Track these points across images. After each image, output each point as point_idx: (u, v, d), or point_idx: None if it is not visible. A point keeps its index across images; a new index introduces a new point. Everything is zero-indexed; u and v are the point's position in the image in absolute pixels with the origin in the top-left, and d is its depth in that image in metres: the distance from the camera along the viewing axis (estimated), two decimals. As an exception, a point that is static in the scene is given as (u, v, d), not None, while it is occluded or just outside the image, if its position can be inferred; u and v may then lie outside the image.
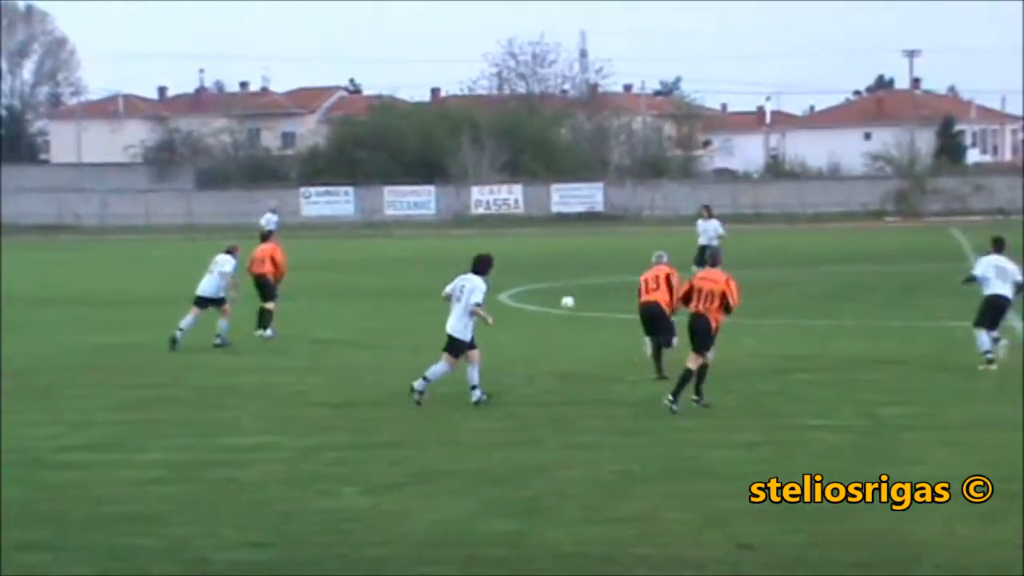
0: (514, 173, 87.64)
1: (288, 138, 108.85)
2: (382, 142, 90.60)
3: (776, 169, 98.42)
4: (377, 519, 12.77)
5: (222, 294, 26.03)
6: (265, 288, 27.79)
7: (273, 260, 28.17)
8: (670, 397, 18.05)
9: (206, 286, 26.12)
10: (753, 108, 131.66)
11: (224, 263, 26.16)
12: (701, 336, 18.34)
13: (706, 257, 19.88)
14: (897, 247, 54.31)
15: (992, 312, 21.84)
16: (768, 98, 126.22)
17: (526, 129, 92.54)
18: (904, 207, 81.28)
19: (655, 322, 21.09)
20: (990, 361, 21.43)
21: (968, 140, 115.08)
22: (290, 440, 16.61)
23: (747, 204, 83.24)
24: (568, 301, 29.37)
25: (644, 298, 21.23)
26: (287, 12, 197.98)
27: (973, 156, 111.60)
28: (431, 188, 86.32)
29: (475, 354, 19.00)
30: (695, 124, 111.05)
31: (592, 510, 12.92)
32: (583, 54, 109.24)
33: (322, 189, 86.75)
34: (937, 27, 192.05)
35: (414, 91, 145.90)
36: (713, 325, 18.40)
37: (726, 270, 18.72)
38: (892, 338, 25.54)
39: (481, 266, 19.35)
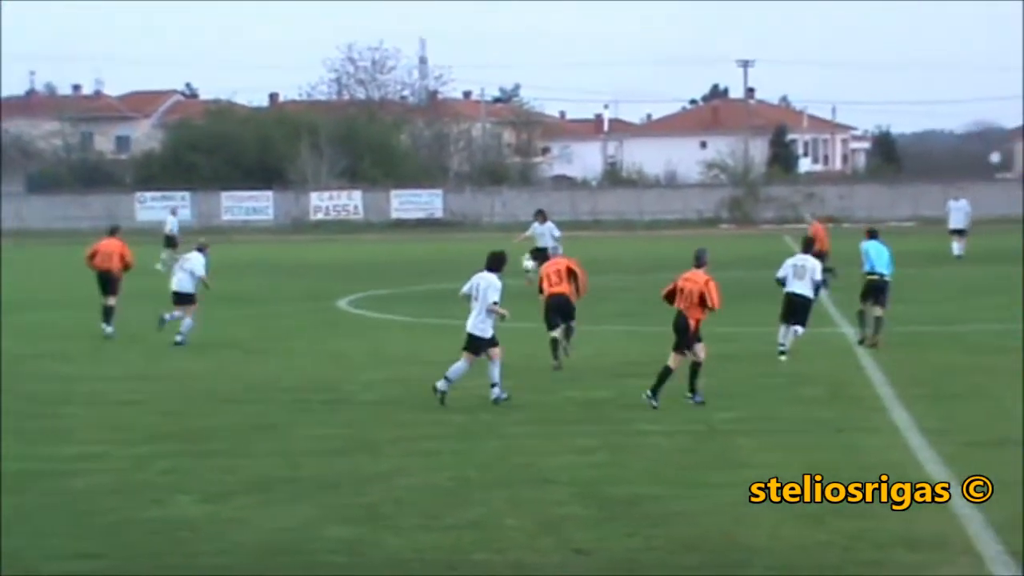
0: (353, 179, 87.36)
1: (122, 142, 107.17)
2: (219, 147, 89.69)
3: (614, 176, 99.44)
4: (213, 528, 12.66)
5: (193, 291, 26.89)
6: (109, 283, 27.90)
7: (122, 256, 28.58)
8: (649, 393, 18.61)
9: (180, 282, 27.03)
10: (591, 116, 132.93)
11: (196, 261, 27.10)
12: (680, 334, 18.86)
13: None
14: (731, 254, 55.19)
15: (789, 308, 23.69)
16: (606, 106, 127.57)
17: (365, 135, 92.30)
18: (738, 214, 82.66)
19: (561, 312, 22.76)
20: (781, 353, 23.20)
21: (800, 149, 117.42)
22: (123, 449, 16.39)
23: (585, 211, 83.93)
24: (529, 264, 29.18)
25: (549, 291, 23.05)
26: (121, 14, 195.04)
27: (805, 165, 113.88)
28: (269, 194, 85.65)
29: (496, 351, 19.16)
30: (534, 131, 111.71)
31: (430, 517, 12.95)
32: (422, 61, 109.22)
33: (158, 194, 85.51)
34: (770, 38, 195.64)
35: (252, 96, 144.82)
36: (692, 324, 18.90)
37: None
38: (726, 343, 25.94)
39: (495, 264, 19.59)
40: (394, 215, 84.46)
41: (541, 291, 23.72)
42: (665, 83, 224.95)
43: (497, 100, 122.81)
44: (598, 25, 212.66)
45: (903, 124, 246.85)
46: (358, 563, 11.52)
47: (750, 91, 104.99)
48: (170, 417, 18.61)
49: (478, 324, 19.21)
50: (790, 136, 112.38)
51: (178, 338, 26.54)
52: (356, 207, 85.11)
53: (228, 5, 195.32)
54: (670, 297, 19.30)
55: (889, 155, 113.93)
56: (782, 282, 24.21)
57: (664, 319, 30.09)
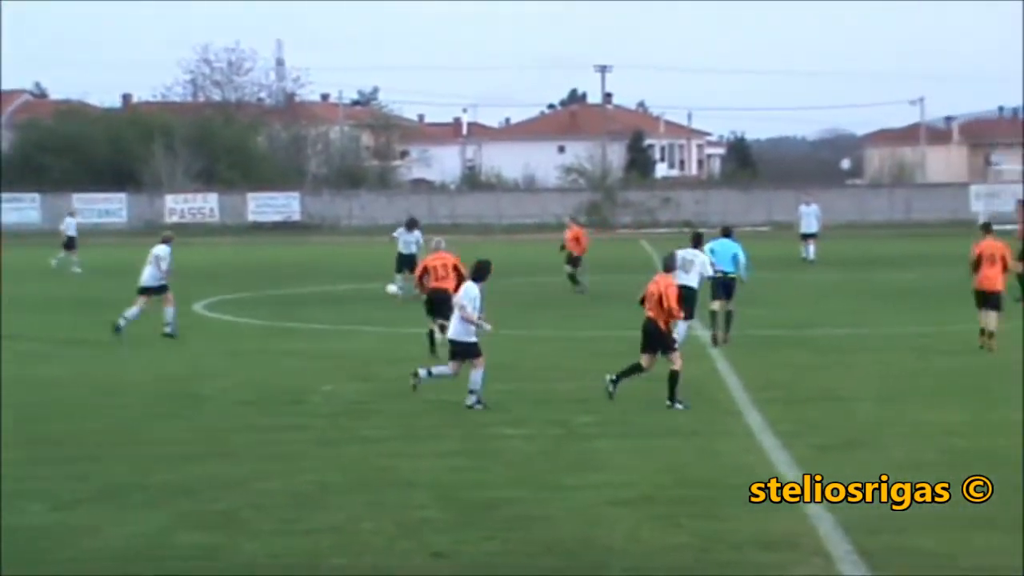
0: (209, 181, 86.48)
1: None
2: (70, 148, 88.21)
3: (472, 180, 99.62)
4: (65, 535, 12.47)
5: (164, 282, 27.62)
6: None
7: None
8: (612, 376, 19.09)
9: (148, 277, 27.69)
10: (450, 120, 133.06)
11: (162, 253, 27.73)
12: (646, 337, 19.26)
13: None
14: (589, 258, 55.52)
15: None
16: (465, 110, 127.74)
17: (222, 137, 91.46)
18: (596, 219, 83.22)
19: (439, 306, 23.34)
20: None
21: (657, 154, 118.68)
22: (-28, 456, 16.04)
23: (444, 215, 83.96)
24: (392, 288, 29.13)
25: (434, 284, 23.98)
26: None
27: (661, 170, 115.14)
28: (122, 196, 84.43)
29: (480, 360, 19.13)
30: (392, 135, 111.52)
31: (288, 522, 12.88)
32: (280, 62, 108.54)
33: (7, 196, 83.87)
34: (628, 44, 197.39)
35: (104, 96, 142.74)
36: (662, 327, 19.19)
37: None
38: (584, 348, 26.15)
39: (479, 273, 19.65)
40: (251, 218, 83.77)
41: (422, 284, 24.33)
42: (524, 87, 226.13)
43: (355, 103, 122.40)
44: (457, 29, 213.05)
45: (757, 130, 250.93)
46: (213, 569, 11.43)
47: (608, 96, 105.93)
48: (20, 424, 18.27)
49: (459, 330, 19.30)
50: (647, 141, 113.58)
51: (167, 329, 27.50)
52: (212, 210, 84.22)
53: (79, 3, 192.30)
54: (642, 301, 19.67)
55: (744, 161, 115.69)
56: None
57: (522, 324, 30.35)
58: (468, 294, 19.38)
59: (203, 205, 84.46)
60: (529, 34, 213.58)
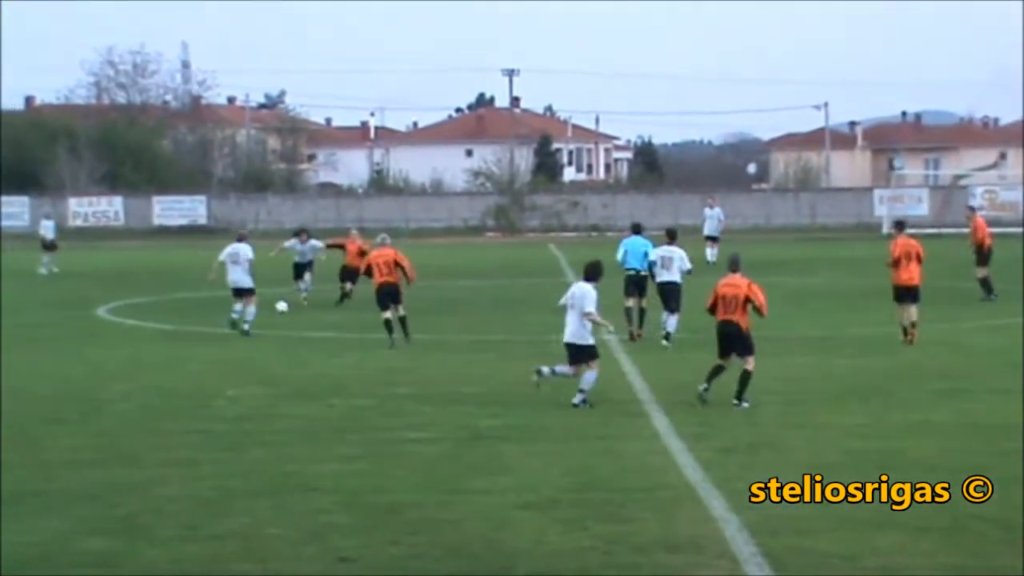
0: (114, 184, 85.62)
1: None
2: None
3: (380, 184, 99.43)
4: (-39, 543, 12.23)
5: (251, 284, 28.46)
6: None
7: None
8: (705, 386, 19.32)
9: (239, 277, 28.41)
10: (357, 123, 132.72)
11: (246, 251, 28.54)
12: (734, 340, 19.37)
13: (730, 263, 20.88)
14: (497, 262, 55.62)
15: (663, 297, 26.59)
16: (372, 114, 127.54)
17: (126, 140, 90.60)
18: (504, 223, 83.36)
19: (391, 298, 26.38)
20: (665, 337, 26.15)
21: (564, 158, 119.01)
22: None
23: (351, 218, 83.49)
24: (282, 305, 30.85)
25: (380, 280, 26.33)
26: None
27: (569, 174, 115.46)
28: (25, 199, 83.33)
29: (596, 363, 19.36)
30: (299, 138, 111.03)
31: (191, 527, 12.74)
32: (185, 65, 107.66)
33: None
34: (536, 48, 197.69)
35: (6, 99, 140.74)
36: (743, 328, 19.37)
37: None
38: (491, 351, 26.13)
39: (592, 273, 19.68)
40: (156, 221, 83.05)
41: (370, 275, 26.79)
42: (431, 91, 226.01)
43: (262, 106, 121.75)
44: (365, 32, 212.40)
45: (665, 134, 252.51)
46: (112, 575, 11.26)
47: (515, 100, 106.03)
48: (-84, 429, 17.93)
49: (576, 333, 19.40)
50: (555, 145, 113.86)
51: (245, 327, 28.21)
52: (117, 213, 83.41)
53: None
54: (713, 308, 19.82)
55: (651, 165, 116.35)
56: (653, 274, 26.79)
57: (429, 328, 30.28)
58: (589, 297, 19.48)
59: (108, 208, 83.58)
60: (437, 37, 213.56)
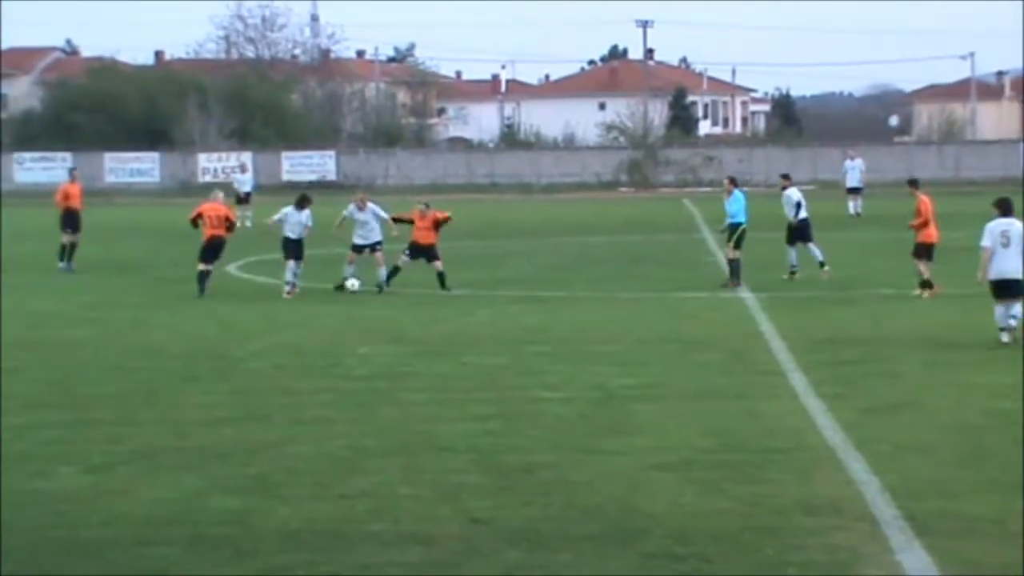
0: (243, 140, 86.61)
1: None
2: (102, 106, 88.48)
3: (511, 138, 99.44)
4: (96, 499, 12.53)
5: (379, 238, 29.19)
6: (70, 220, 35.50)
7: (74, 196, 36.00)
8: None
9: (365, 234, 29.16)
10: (488, 76, 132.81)
11: (372, 209, 29.29)
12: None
13: None
14: (630, 218, 55.45)
15: (792, 232, 30.65)
16: (503, 66, 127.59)
17: (255, 95, 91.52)
18: (637, 178, 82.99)
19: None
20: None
21: (699, 112, 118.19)
22: (3, 419, 16.13)
23: (482, 174, 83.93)
24: (354, 284, 29.10)
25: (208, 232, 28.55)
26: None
27: (704, 128, 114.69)
28: (155, 155, 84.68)
29: None
30: (429, 92, 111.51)
31: (322, 486, 12.90)
32: (314, 18, 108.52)
33: (38, 155, 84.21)
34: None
35: (136, 54, 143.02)
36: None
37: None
38: (623, 309, 26.12)
39: (1004, 208, 20.88)
40: (285, 177, 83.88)
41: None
42: (563, 43, 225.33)
43: (391, 60, 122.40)
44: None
45: (803, 86, 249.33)
46: (245, 534, 11.45)
47: (649, 52, 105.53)
48: (52, 386, 18.38)
49: (1015, 267, 20.43)
50: (690, 98, 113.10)
51: (376, 287, 28.83)
52: (248, 169, 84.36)
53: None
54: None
55: (789, 118, 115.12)
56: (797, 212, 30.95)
57: (561, 285, 30.33)
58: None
59: (237, 164, 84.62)
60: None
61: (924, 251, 27.15)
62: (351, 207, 30.11)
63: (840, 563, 10.52)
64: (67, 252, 35.06)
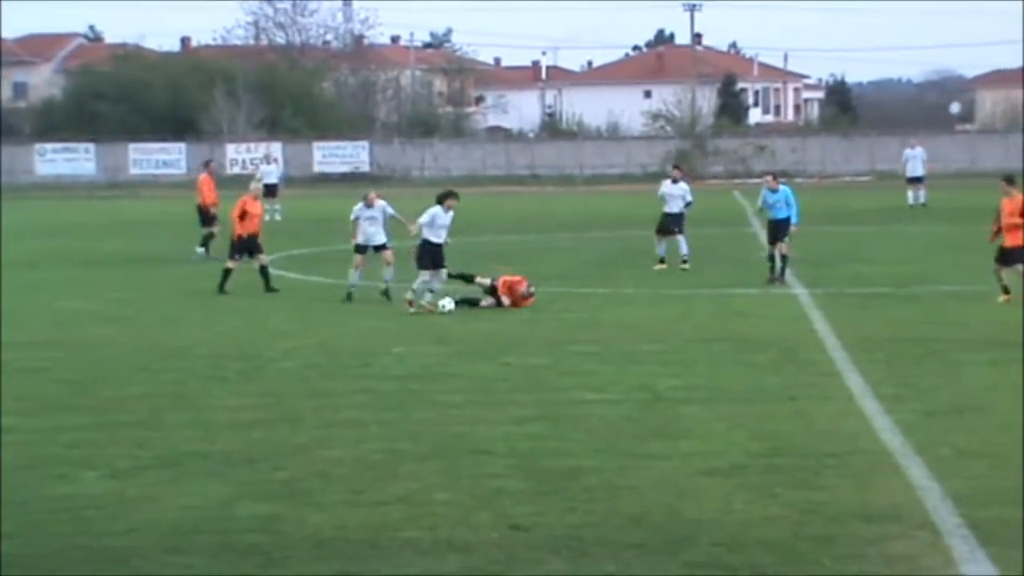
0: (273, 130, 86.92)
1: (19, 89, 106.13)
2: (126, 95, 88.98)
3: (552, 128, 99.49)
4: (121, 506, 12.58)
5: (384, 239, 28.27)
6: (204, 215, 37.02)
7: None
8: None
9: (372, 233, 28.21)
10: (528, 63, 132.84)
11: (382, 206, 28.28)
12: None
13: None
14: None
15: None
16: (544, 52, 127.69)
17: (286, 83, 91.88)
18: (685, 169, 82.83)
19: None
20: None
21: (750, 99, 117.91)
22: (26, 421, 16.25)
23: (522, 164, 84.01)
24: (447, 303, 25.89)
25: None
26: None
27: (755, 116, 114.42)
28: (181, 146, 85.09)
29: None
30: (467, 79, 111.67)
31: (356, 492, 12.92)
32: (347, 3, 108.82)
33: (59, 145, 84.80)
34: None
35: (162, 40, 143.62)
36: None
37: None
38: (670, 306, 26.07)
39: None
40: (317, 168, 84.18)
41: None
42: (607, 28, 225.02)
43: (427, 45, 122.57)
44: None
45: (858, 72, 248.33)
46: (276, 542, 11.47)
47: (697, 37, 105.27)
48: (77, 387, 18.48)
49: None
50: (740, 85, 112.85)
51: (383, 286, 27.85)
52: (276, 160, 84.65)
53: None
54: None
55: (844, 105, 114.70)
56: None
57: (605, 281, 30.30)
58: None
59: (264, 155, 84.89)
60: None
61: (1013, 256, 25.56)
62: (358, 207, 28.55)
63: (900, 574, 10.46)
64: (206, 240, 36.27)
